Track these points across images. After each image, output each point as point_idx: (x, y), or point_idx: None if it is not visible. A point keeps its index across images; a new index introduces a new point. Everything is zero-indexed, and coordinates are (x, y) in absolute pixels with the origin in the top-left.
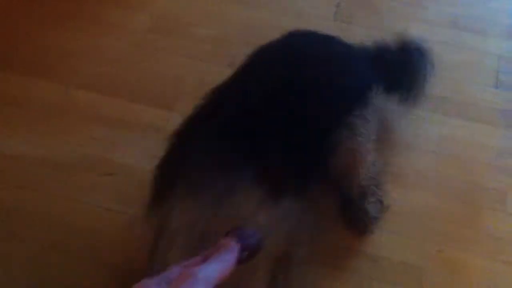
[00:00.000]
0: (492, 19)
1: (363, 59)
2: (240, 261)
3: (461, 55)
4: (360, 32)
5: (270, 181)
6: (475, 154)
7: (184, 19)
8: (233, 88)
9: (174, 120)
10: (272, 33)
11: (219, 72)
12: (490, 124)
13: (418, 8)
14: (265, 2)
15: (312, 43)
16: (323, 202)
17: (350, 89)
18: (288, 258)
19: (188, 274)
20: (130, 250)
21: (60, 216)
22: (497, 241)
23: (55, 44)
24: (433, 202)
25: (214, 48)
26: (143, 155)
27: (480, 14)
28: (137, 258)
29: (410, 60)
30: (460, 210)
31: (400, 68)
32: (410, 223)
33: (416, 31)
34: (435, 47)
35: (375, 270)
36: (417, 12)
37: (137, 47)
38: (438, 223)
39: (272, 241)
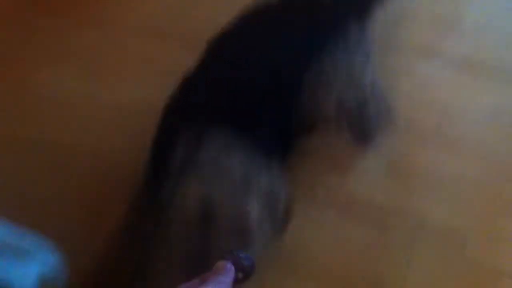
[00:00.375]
0: None
1: None
2: (236, 282)
3: None
4: None
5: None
6: None
7: None
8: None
9: None
10: None
11: None
12: None
13: None
14: None
15: None
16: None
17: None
18: None
19: None
20: None
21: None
22: None
23: None
24: (483, 173)
25: None
26: None
27: None
28: None
29: None
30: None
31: None
32: (460, 188)
33: None
34: None
35: (418, 232)
36: None
37: None
38: (486, 192)
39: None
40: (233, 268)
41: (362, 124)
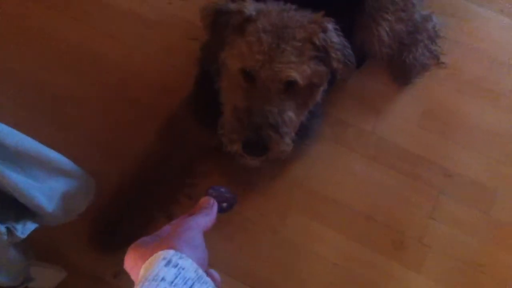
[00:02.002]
0: None
1: None
2: (221, 211)
3: None
4: None
5: None
6: None
7: None
8: None
9: None
10: None
11: None
12: None
13: None
14: None
15: None
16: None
17: None
18: None
19: (182, 223)
20: None
21: (139, 72)
22: None
23: None
24: None
25: None
26: None
27: None
28: None
29: None
30: None
31: None
32: (494, 144)
33: None
34: None
35: (447, 185)
36: None
37: None
38: None
39: None
40: (215, 202)
41: (407, 60)
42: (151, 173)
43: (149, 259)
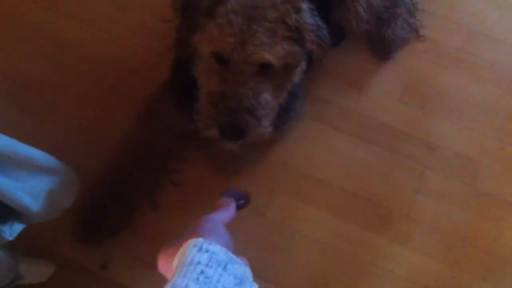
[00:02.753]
0: None
1: None
2: (239, 207)
3: None
4: None
5: None
6: None
7: None
8: None
9: None
10: None
11: None
12: None
13: None
14: None
15: None
16: None
17: None
18: None
19: (203, 218)
20: None
21: (113, 56)
22: None
23: None
24: (504, 100)
25: None
26: None
27: None
28: None
29: None
30: None
31: None
32: (476, 116)
33: None
34: None
35: (431, 159)
36: None
37: None
38: (505, 121)
39: None
40: (233, 200)
41: (386, 35)
42: (132, 160)
43: (180, 250)
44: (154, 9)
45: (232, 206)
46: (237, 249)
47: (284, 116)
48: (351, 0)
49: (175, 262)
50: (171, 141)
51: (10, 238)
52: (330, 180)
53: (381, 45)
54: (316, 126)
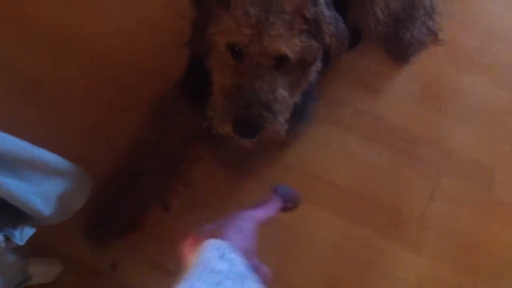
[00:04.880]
0: None
1: None
2: (286, 209)
3: None
4: None
5: None
6: None
7: None
8: None
9: None
10: None
11: None
12: None
13: None
14: None
15: None
16: None
17: None
18: None
19: (238, 213)
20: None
21: (124, 52)
22: None
23: None
24: None
25: None
26: None
27: None
28: None
29: None
30: None
31: None
32: (492, 120)
33: None
34: None
35: (445, 163)
36: None
37: None
38: None
39: None
40: (278, 198)
41: (404, 38)
42: (143, 160)
43: (203, 245)
44: (167, 6)
45: (275, 206)
46: None
47: (298, 117)
48: (369, 1)
49: (195, 255)
50: (182, 141)
51: (21, 243)
52: (343, 183)
53: (399, 47)
54: (330, 128)
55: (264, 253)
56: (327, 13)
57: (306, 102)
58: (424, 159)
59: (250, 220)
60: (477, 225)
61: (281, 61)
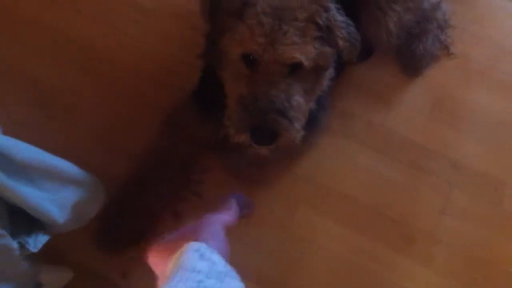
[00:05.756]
0: None
1: None
2: (242, 215)
3: None
4: None
5: None
6: None
7: None
8: None
9: None
10: None
11: None
12: None
13: None
14: None
15: None
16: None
17: None
18: None
19: (205, 219)
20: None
21: (136, 63)
22: None
23: None
24: None
25: None
26: None
27: None
28: None
29: None
30: None
31: None
32: (504, 135)
33: None
34: None
35: (457, 177)
36: None
37: None
38: None
39: None
40: (234, 200)
41: (416, 50)
42: (155, 170)
43: (180, 250)
44: (180, 18)
45: (235, 210)
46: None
47: (310, 127)
48: (382, 14)
49: (173, 261)
50: (194, 152)
51: (35, 250)
52: (354, 196)
53: (411, 60)
54: (342, 140)
55: (273, 264)
56: (339, 18)
57: (319, 112)
58: (435, 173)
59: (219, 226)
60: (487, 239)
61: (295, 68)
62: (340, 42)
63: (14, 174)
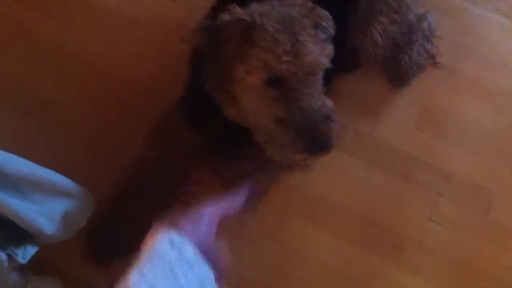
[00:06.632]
0: None
1: None
2: (246, 207)
3: None
4: None
5: None
6: None
7: None
8: None
9: None
10: None
11: None
12: None
13: None
14: None
15: None
16: None
17: None
18: None
19: (197, 210)
20: None
21: (128, 75)
22: None
23: None
24: None
25: None
26: None
27: None
28: None
29: None
30: None
31: None
32: (491, 145)
33: None
34: None
35: (445, 187)
36: None
37: None
38: None
39: None
40: (245, 193)
41: (402, 61)
42: (144, 180)
43: (153, 235)
44: (170, 30)
45: (239, 199)
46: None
47: None
48: (368, 25)
49: (146, 247)
50: (183, 161)
51: (23, 262)
52: (343, 206)
53: (397, 71)
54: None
55: (263, 274)
56: (325, 12)
57: None
58: (423, 182)
59: (206, 216)
60: (475, 248)
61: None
62: (332, 31)
63: (3, 186)
